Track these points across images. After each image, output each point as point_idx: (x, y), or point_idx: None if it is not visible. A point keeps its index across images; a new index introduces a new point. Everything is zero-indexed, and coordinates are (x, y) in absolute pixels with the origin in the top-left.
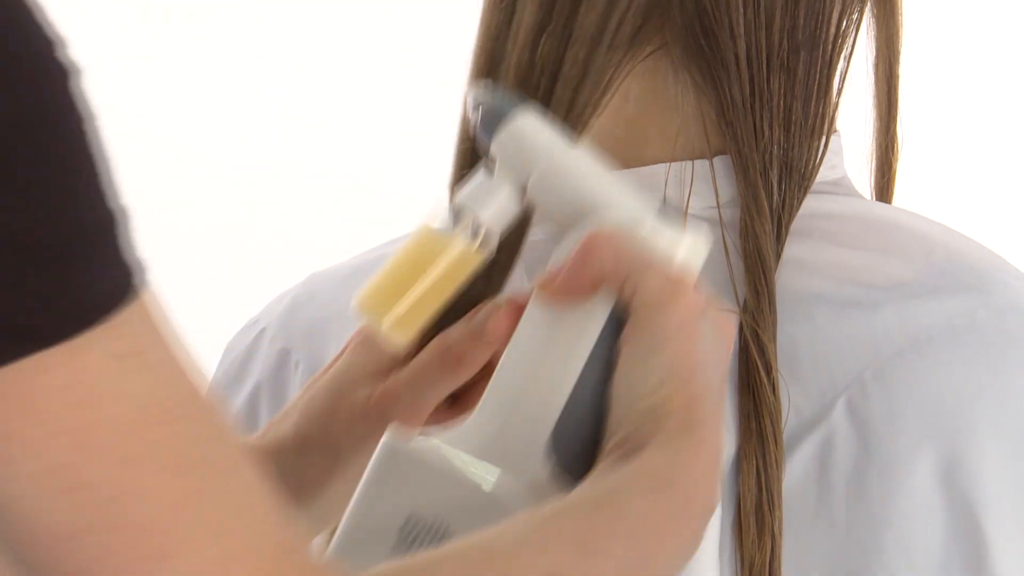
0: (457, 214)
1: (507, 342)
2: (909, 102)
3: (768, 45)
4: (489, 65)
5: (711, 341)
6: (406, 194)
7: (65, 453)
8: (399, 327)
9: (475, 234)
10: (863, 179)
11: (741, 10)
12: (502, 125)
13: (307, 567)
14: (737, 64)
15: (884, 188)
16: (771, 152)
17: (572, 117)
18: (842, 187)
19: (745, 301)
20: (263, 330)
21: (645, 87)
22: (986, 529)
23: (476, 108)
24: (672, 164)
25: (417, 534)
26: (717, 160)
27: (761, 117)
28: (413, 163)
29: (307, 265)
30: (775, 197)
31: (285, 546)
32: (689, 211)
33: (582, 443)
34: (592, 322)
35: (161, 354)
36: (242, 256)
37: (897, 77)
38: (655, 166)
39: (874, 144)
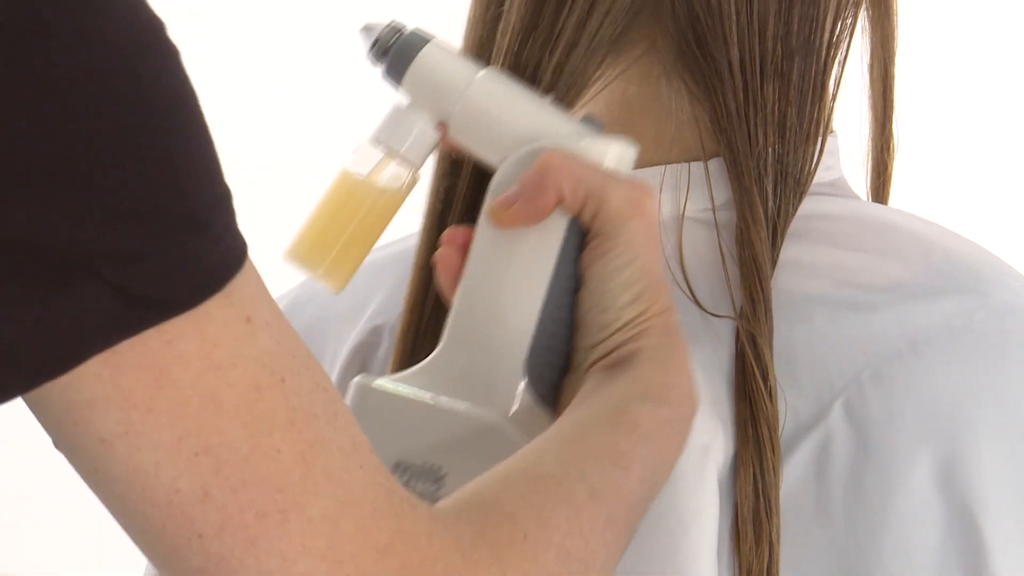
0: (377, 153)
1: (458, 277)
2: (905, 102)
3: (762, 52)
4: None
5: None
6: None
7: (194, 419)
8: (333, 273)
9: (397, 169)
10: (859, 180)
11: (734, 17)
12: (409, 62)
13: (407, 506)
14: (731, 71)
15: (880, 189)
16: (766, 158)
17: None
18: (838, 188)
19: (741, 307)
20: None
21: (639, 92)
22: (984, 530)
23: (376, 48)
24: (667, 167)
25: (408, 480)
26: (712, 162)
27: (755, 124)
28: None
29: None
30: (770, 203)
31: (388, 487)
32: (686, 213)
33: (555, 364)
34: (552, 242)
35: (268, 315)
36: None
37: (892, 78)
38: (650, 168)
39: (870, 145)
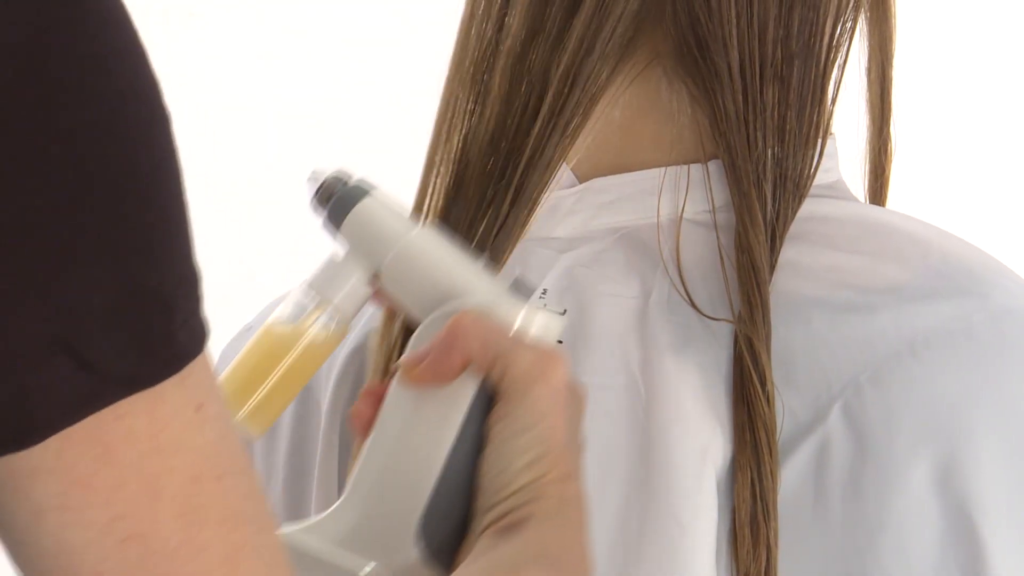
0: (309, 301)
1: (370, 428)
2: (902, 105)
3: (761, 55)
4: (477, 72)
5: (574, 416)
6: (406, 197)
7: (130, 502)
8: (254, 418)
9: (327, 320)
10: (856, 182)
11: (734, 21)
12: (348, 212)
13: None
14: (730, 75)
15: (878, 191)
16: (765, 162)
17: (561, 124)
18: (837, 190)
19: (739, 311)
20: None
21: (639, 95)
22: (982, 533)
23: (320, 195)
24: (667, 168)
25: None
26: (712, 164)
27: (755, 128)
28: (413, 165)
29: (304, 269)
30: (769, 207)
31: None
32: (684, 215)
33: (452, 525)
34: (459, 404)
35: (218, 408)
36: (239, 258)
37: (890, 80)
38: (650, 170)
39: (867, 147)
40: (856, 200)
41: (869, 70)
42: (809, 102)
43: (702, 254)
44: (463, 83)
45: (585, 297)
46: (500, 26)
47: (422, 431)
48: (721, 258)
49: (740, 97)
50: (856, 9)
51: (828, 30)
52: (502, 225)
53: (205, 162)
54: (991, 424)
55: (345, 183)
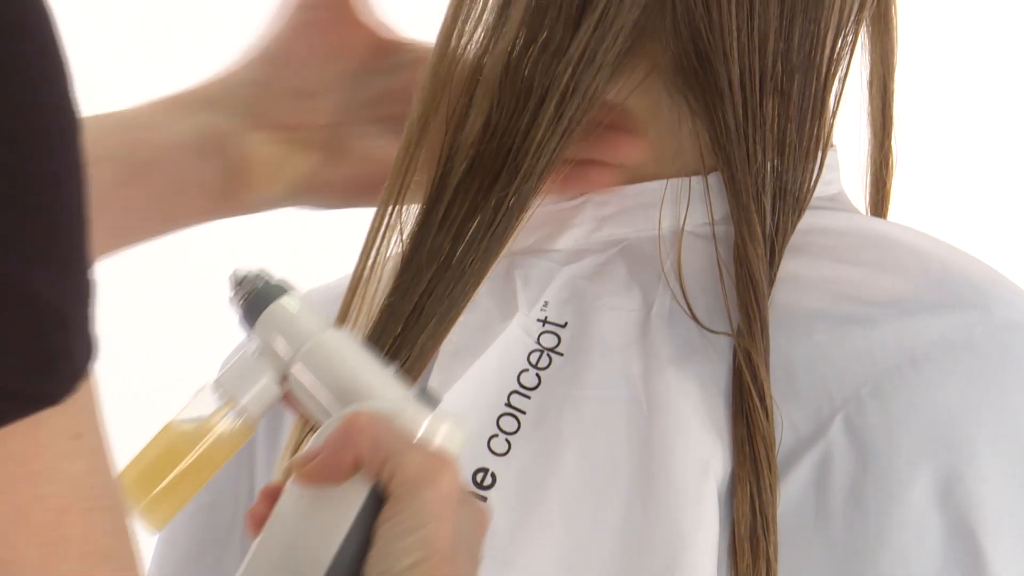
0: (217, 397)
1: (261, 528)
2: (904, 117)
3: (761, 68)
4: (463, 77)
5: (467, 527)
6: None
7: None
8: (151, 511)
9: (233, 419)
10: (858, 194)
11: (735, 34)
12: (263, 310)
13: None
14: (731, 88)
15: (879, 204)
16: (764, 175)
17: (559, 132)
18: (839, 202)
19: (738, 325)
20: None
21: (640, 107)
22: (984, 547)
23: (237, 292)
24: (669, 181)
25: None
26: (712, 176)
27: (754, 141)
28: None
29: (303, 278)
30: (768, 220)
31: None
32: (685, 228)
33: None
34: (349, 504)
35: (97, 440)
36: (237, 262)
37: (892, 93)
38: (651, 183)
39: (869, 159)
40: (857, 212)
41: (871, 83)
42: (809, 115)
43: (703, 267)
44: (443, 87)
45: (586, 310)
46: (492, 31)
47: (311, 531)
48: (720, 271)
49: (740, 110)
50: (857, 22)
51: (829, 43)
52: (493, 232)
53: None
54: (992, 437)
55: (266, 281)
